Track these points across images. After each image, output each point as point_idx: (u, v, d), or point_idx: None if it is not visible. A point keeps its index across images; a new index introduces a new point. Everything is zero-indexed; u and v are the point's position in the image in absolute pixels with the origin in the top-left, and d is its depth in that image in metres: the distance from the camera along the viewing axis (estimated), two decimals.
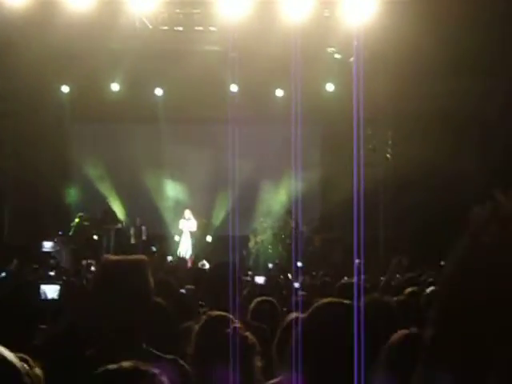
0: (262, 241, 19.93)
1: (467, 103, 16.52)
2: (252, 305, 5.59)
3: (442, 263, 15.41)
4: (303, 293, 8.40)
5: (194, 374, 3.08)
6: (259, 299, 5.75)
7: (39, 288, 7.24)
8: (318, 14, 17.75)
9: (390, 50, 18.13)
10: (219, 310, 3.53)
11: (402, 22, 16.22)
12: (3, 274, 11.89)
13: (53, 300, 7.27)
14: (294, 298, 7.30)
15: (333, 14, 18.05)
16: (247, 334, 3.20)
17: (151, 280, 3.24)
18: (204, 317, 3.34)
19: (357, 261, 11.35)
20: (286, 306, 6.39)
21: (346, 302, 2.53)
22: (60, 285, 7.90)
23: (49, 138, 20.87)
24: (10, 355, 1.37)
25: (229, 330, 3.16)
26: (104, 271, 3.33)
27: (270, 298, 5.88)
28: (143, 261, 3.31)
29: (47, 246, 18.87)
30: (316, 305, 2.51)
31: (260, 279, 11.07)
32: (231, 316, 3.33)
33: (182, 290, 8.24)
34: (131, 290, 3.14)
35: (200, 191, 21.16)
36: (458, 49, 16.32)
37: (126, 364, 2.04)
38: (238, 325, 3.23)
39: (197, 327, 3.28)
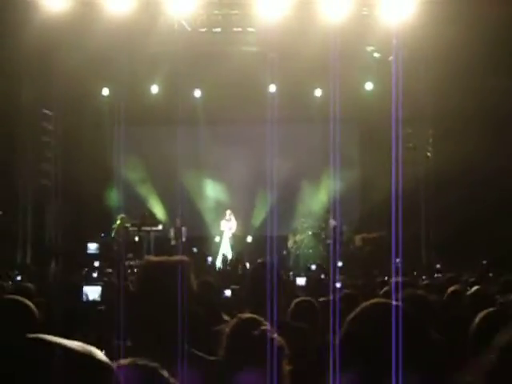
0: (302, 240, 19.90)
1: (506, 100, 16.35)
2: (292, 305, 5.59)
3: (484, 262, 15.30)
4: (346, 291, 8.38)
5: (226, 376, 3.10)
6: (299, 299, 5.74)
7: (82, 290, 7.29)
8: (356, 13, 17.68)
9: (429, 48, 17.99)
10: (260, 311, 3.53)
11: (441, 20, 16.09)
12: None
13: (94, 301, 7.31)
14: (335, 298, 7.27)
15: (371, 12, 17.97)
16: (275, 336, 3.20)
17: (193, 280, 3.26)
18: (234, 319, 3.35)
19: (397, 260, 11.30)
20: (328, 306, 6.37)
21: (392, 302, 2.52)
22: (102, 286, 7.93)
23: (90, 141, 21.07)
24: (97, 350, 1.40)
25: (256, 333, 3.16)
26: (146, 272, 3.35)
27: (309, 298, 5.87)
28: (185, 262, 3.33)
29: (92, 247, 19.07)
30: (362, 305, 2.50)
31: (301, 280, 11.04)
32: (262, 318, 3.34)
33: (228, 291, 8.29)
34: (174, 290, 3.16)
35: (240, 191, 21.19)
36: (497, 47, 16.15)
37: (124, 361, 2.06)
38: (268, 327, 3.24)
39: (227, 330, 3.30)
